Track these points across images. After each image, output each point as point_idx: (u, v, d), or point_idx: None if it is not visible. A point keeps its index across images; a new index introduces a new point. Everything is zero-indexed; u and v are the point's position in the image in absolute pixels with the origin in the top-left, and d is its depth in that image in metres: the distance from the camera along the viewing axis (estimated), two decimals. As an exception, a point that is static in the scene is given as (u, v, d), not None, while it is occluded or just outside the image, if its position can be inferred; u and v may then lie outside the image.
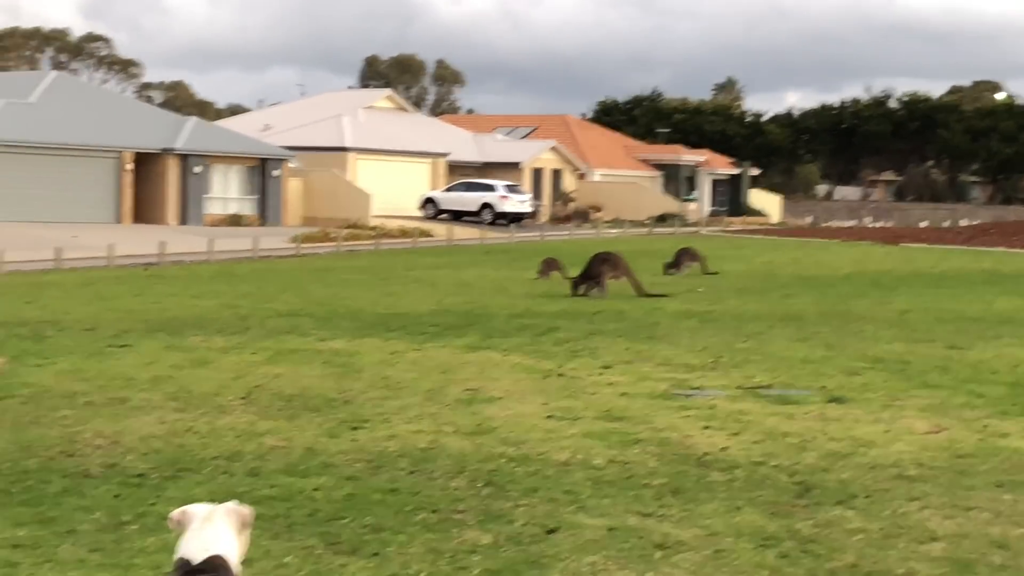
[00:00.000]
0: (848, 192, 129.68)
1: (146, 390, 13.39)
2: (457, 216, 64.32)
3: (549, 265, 31.96)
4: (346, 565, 7.31)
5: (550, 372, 15.23)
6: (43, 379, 13.77)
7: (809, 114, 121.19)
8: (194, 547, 4.56)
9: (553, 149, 76.82)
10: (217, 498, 8.70)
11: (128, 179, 56.43)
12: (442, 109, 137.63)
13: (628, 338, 18.79)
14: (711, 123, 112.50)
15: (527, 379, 14.68)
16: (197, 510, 4.71)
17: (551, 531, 8.05)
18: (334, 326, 19.94)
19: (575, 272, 29.45)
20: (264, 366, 15.31)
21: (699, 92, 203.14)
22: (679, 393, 13.79)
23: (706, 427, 11.73)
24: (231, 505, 4.76)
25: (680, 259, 34.79)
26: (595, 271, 26.78)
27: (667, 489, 9.26)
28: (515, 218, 63.58)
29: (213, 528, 4.64)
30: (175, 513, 4.70)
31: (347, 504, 8.69)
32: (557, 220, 69.35)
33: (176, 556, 4.50)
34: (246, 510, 4.76)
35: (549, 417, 12.15)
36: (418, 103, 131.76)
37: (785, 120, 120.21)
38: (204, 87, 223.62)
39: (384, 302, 24.67)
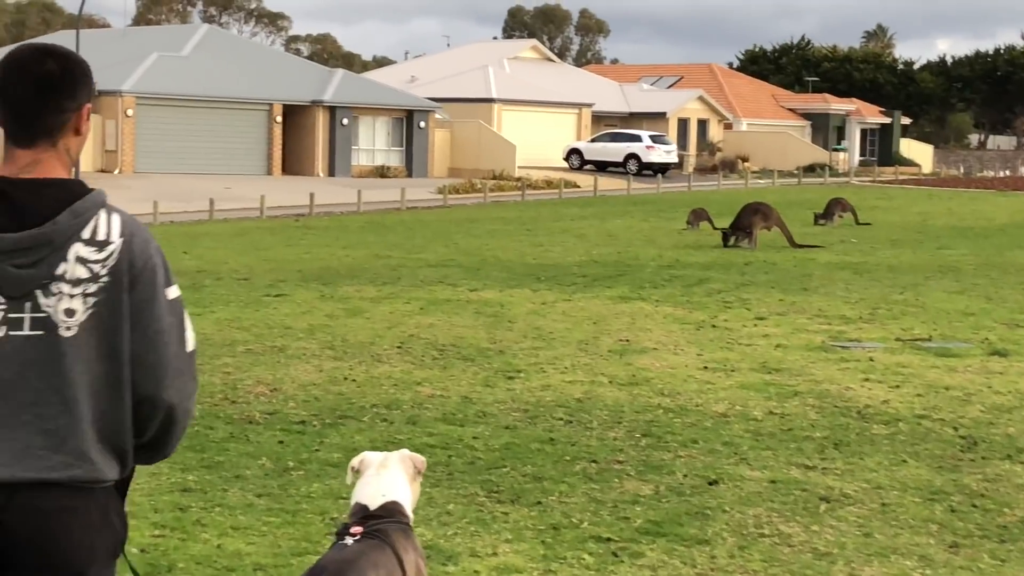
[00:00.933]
0: (1002, 141, 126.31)
1: (303, 339, 13.57)
2: (602, 167, 64.04)
3: (698, 215, 31.68)
4: (508, 514, 7.33)
5: (703, 323, 15.11)
6: (203, 328, 14.00)
7: (962, 62, 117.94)
8: (370, 492, 4.60)
9: (699, 99, 76.03)
10: (378, 446, 8.83)
11: (278, 131, 57.22)
12: (586, 59, 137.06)
13: (781, 289, 18.56)
14: (860, 71, 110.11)
15: (679, 330, 14.58)
16: (373, 457, 4.72)
17: (712, 482, 7.98)
18: (484, 276, 20.02)
19: (724, 223, 29.18)
20: (416, 316, 15.42)
21: (847, 40, 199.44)
22: (836, 345, 13.58)
23: (865, 379, 11.53)
24: (405, 452, 4.77)
25: (831, 209, 34.25)
26: (746, 222, 26.47)
27: (829, 442, 9.12)
28: (661, 169, 63.07)
29: (388, 475, 4.66)
30: (353, 461, 4.73)
31: (506, 453, 8.71)
32: (703, 171, 68.65)
33: (353, 502, 4.51)
34: (419, 458, 4.76)
35: (704, 368, 12.05)
36: (562, 53, 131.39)
37: (937, 68, 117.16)
38: (349, 40, 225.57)
39: (532, 252, 24.69)
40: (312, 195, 39.77)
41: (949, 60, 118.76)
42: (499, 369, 11.92)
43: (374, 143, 60.67)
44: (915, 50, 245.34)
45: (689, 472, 8.23)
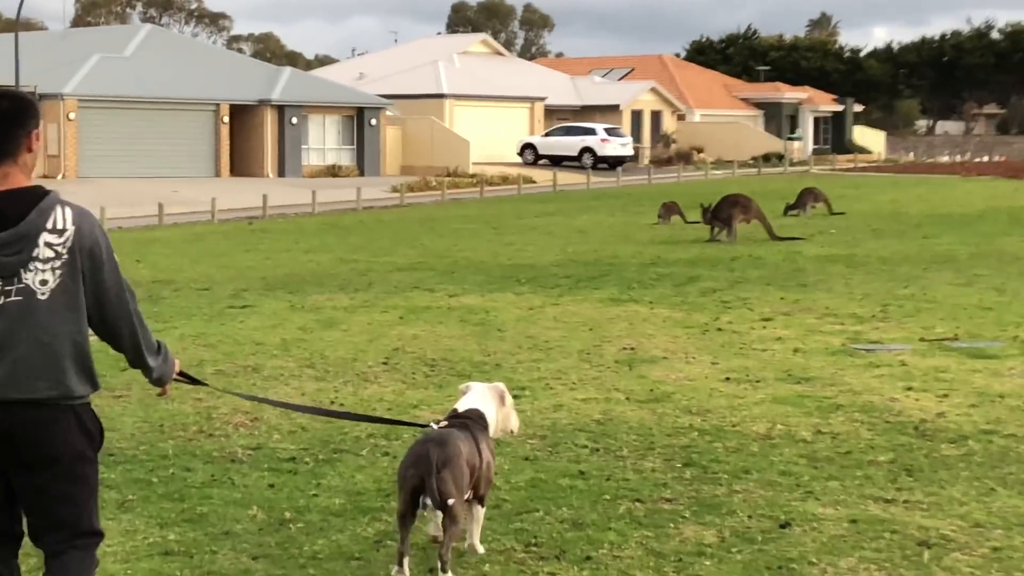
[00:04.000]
0: (949, 127, 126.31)
1: (278, 356, 12.34)
2: (556, 161, 62.92)
3: (669, 209, 30.63)
4: (555, 574, 6.16)
5: (707, 326, 13.99)
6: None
7: (908, 48, 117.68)
8: (461, 403, 6.49)
9: (652, 90, 75.05)
10: (384, 486, 7.65)
11: (225, 132, 55.70)
12: (531, 54, 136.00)
13: (778, 286, 17.49)
14: (808, 60, 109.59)
15: (684, 335, 13.46)
16: (471, 385, 6.69)
17: (784, 525, 6.84)
18: (460, 280, 18.82)
19: (694, 216, 28.18)
20: (398, 326, 14.21)
21: (789, 29, 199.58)
22: (859, 348, 12.49)
23: (908, 388, 10.45)
24: (494, 383, 6.72)
25: (804, 199, 33.29)
26: (725, 214, 25.40)
27: (898, 467, 8.01)
28: (616, 162, 62.04)
29: (476, 393, 6.56)
30: (462, 387, 6.72)
31: (534, 492, 7.54)
32: (658, 163, 67.67)
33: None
34: (502, 388, 6.64)
35: (727, 380, 10.93)
36: (507, 48, 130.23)
37: (884, 55, 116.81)
38: (290, 39, 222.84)
39: (505, 252, 23.50)
40: (265, 196, 38.39)
41: (896, 47, 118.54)
42: (501, 386, 10.73)
43: (324, 142, 59.25)
44: (855, 38, 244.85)
45: (752, 512, 7.08)
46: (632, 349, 12.57)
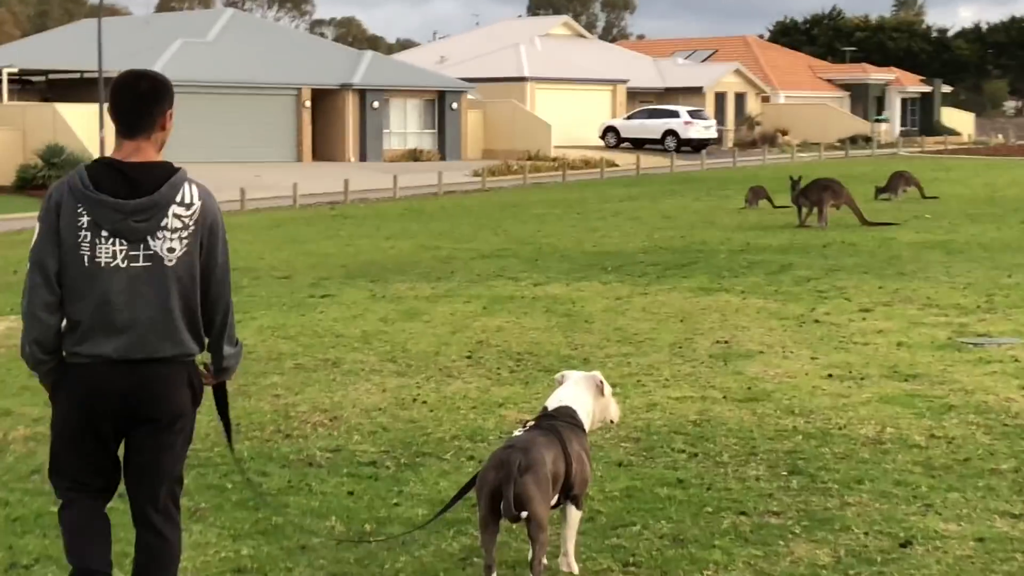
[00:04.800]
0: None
1: (358, 348, 11.93)
2: (639, 144, 62.15)
3: (756, 194, 29.92)
4: (657, 598, 5.68)
5: (803, 318, 13.41)
6: (245, 337, 12.27)
7: (997, 28, 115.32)
8: (553, 398, 6.12)
9: (736, 72, 73.95)
10: (470, 493, 7.17)
11: (307, 116, 55.50)
12: (612, 35, 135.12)
13: (875, 274, 16.84)
14: (894, 40, 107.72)
15: (780, 327, 12.89)
16: (566, 374, 6.29)
17: (905, 544, 6.30)
18: (544, 267, 18.34)
19: (782, 200, 27.53)
20: (481, 317, 13.76)
21: (874, 9, 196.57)
22: (967, 342, 11.86)
23: (1023, 387, 9.83)
24: (591, 373, 6.27)
25: (895, 183, 32.36)
26: (815, 198, 24.68)
27: (1023, 477, 7.42)
28: (699, 145, 61.18)
29: (570, 386, 6.15)
30: (557, 376, 6.33)
31: (630, 503, 7.05)
32: (742, 145, 66.66)
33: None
34: (599, 377, 6.19)
35: (828, 376, 10.36)
36: (588, 30, 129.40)
37: (972, 35, 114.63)
38: (372, 23, 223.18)
39: (590, 239, 22.96)
40: (346, 181, 38.12)
41: (984, 26, 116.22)
42: (592, 383, 10.24)
43: (406, 126, 58.93)
44: (941, 18, 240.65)
45: (869, 528, 6.54)
46: (726, 343, 12.02)
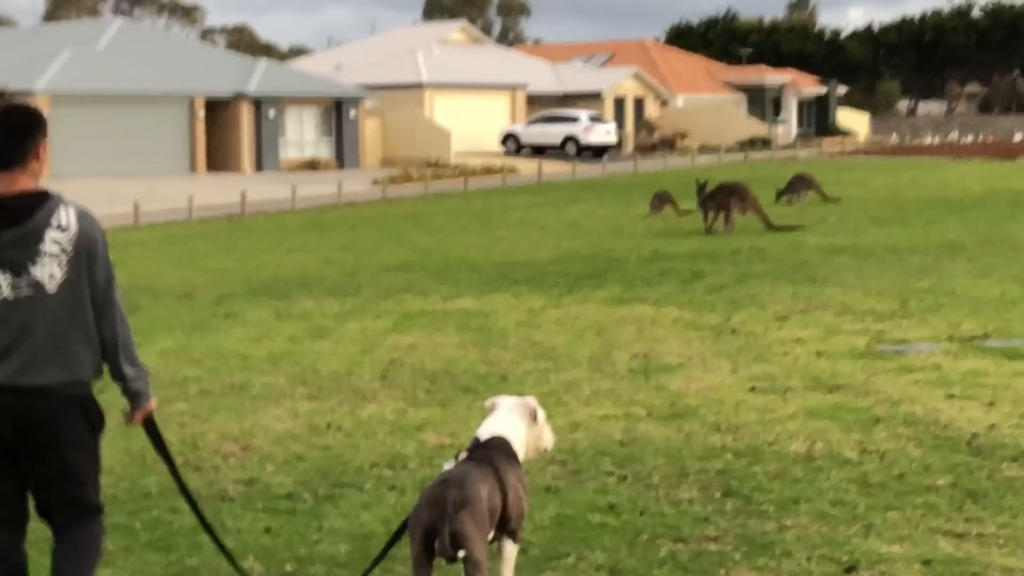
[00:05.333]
0: (931, 107, 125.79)
1: (267, 371, 11.52)
2: (539, 150, 62.01)
3: (662, 199, 29.81)
4: (600, 639, 5.38)
5: (720, 328, 13.24)
6: (146, 360, 11.85)
7: (889, 28, 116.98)
8: (484, 429, 5.73)
9: (635, 76, 74.08)
10: (393, 525, 6.85)
11: (201, 126, 54.66)
12: (508, 41, 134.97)
13: (787, 281, 16.75)
14: (788, 42, 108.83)
15: (698, 338, 12.70)
16: (497, 401, 5.91)
17: (850, 569, 6.07)
18: (453, 280, 18.02)
19: (686, 206, 27.52)
20: (392, 334, 13.41)
21: (768, 11, 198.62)
22: (886, 349, 11.75)
23: (949, 396, 9.71)
24: (523, 399, 5.91)
25: (795, 186, 32.48)
26: (721, 203, 24.64)
27: (960, 492, 7.25)
28: (600, 150, 61.18)
29: (501, 415, 5.80)
30: (486, 403, 5.97)
31: (561, 532, 6.75)
32: (642, 150, 66.80)
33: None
34: (533, 403, 5.87)
35: (752, 390, 10.17)
36: (484, 34, 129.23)
37: (865, 36, 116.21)
38: (263, 30, 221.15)
39: (497, 249, 22.69)
40: (243, 193, 37.48)
41: (876, 27, 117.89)
42: (509, 402, 9.95)
43: (303, 135, 58.25)
44: (832, 19, 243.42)
45: (811, 552, 6.31)
46: (645, 356, 11.80)
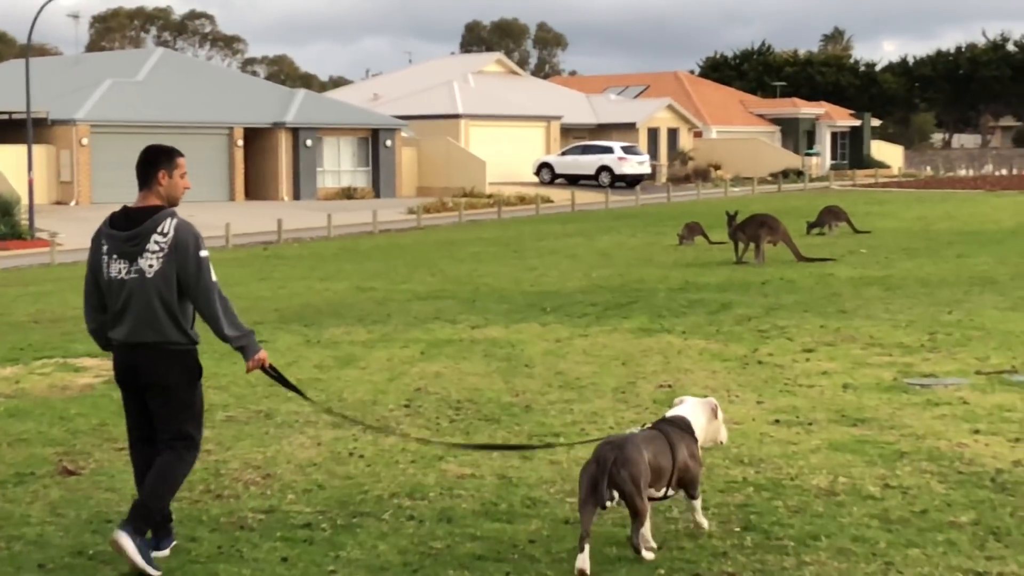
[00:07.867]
0: (965, 140, 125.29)
1: (292, 399, 11.47)
2: (573, 180, 62.13)
3: (692, 230, 29.83)
4: (612, 672, 5.36)
5: (747, 359, 13.19)
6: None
7: (924, 62, 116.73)
8: (670, 413, 7.12)
9: (669, 107, 74.19)
10: (411, 559, 6.87)
11: (239, 155, 55.06)
12: (544, 72, 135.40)
13: (816, 312, 16.68)
14: (823, 75, 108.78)
15: (723, 369, 12.66)
16: (684, 399, 7.30)
17: (867, 606, 6.03)
18: (482, 309, 18.03)
19: (717, 236, 27.43)
20: (419, 363, 13.43)
21: (802, 44, 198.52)
22: (913, 383, 11.68)
23: (975, 431, 9.63)
24: (707, 399, 7.35)
25: (824, 218, 32.36)
26: (751, 234, 24.59)
27: (983, 530, 7.19)
28: (633, 180, 61.25)
29: (687, 406, 7.16)
30: (676, 400, 7.37)
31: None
32: (676, 180, 66.83)
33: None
34: (714, 403, 7.27)
35: (776, 422, 10.12)
36: (520, 67, 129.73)
37: (899, 68, 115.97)
38: (302, 60, 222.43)
39: (527, 278, 22.71)
40: (280, 221, 37.71)
41: (911, 60, 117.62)
42: (532, 433, 9.97)
43: (339, 164, 58.58)
44: (865, 52, 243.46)
45: (829, 589, 6.27)
46: (670, 387, 11.77)
